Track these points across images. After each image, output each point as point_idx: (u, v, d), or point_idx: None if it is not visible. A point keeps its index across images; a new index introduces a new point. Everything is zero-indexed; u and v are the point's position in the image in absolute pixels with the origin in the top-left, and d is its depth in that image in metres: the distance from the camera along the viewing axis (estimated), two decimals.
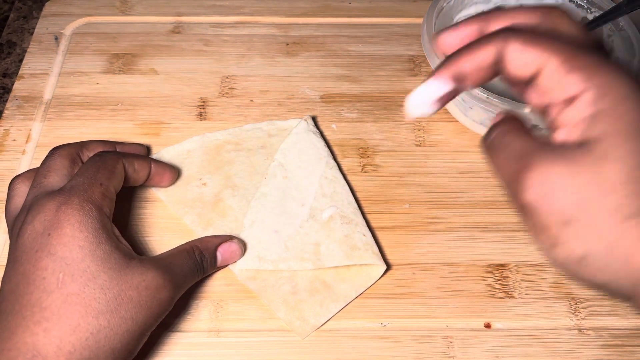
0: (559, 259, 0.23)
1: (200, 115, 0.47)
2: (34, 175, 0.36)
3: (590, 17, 0.48)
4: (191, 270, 0.35)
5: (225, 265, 0.38)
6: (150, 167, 0.39)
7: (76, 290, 0.29)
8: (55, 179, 0.35)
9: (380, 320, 0.37)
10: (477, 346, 0.36)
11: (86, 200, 0.32)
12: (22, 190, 0.36)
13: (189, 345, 0.36)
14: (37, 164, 0.43)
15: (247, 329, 0.37)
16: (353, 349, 0.36)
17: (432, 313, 0.38)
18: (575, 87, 0.23)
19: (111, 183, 0.35)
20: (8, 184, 0.42)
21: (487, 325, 0.37)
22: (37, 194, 0.33)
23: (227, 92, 0.49)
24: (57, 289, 0.29)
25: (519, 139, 0.24)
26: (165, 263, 0.33)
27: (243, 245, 0.38)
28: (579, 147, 0.22)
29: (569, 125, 0.23)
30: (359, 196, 0.42)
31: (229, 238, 0.38)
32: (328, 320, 0.37)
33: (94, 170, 0.34)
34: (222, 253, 0.37)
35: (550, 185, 0.22)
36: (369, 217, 0.41)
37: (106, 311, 0.29)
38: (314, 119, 0.47)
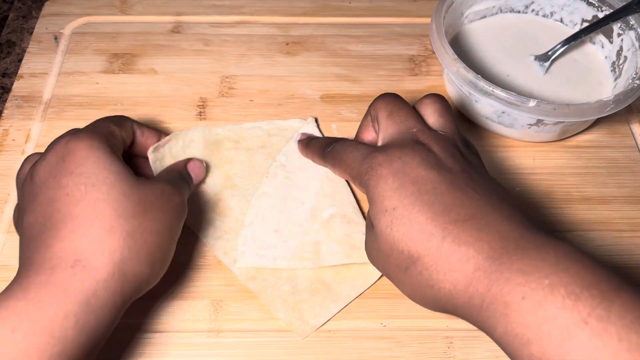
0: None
1: (200, 115, 0.47)
2: None
3: (601, 15, 0.48)
4: (181, 184, 0.36)
5: (198, 185, 0.41)
6: (160, 137, 0.41)
7: (102, 196, 0.30)
8: None
9: (381, 320, 0.37)
10: (478, 346, 0.36)
11: (94, 130, 0.34)
12: (34, 158, 0.36)
13: (189, 346, 0.36)
14: None
15: (247, 329, 0.37)
16: (353, 349, 0.36)
17: (432, 313, 0.37)
18: None
19: (119, 130, 0.36)
20: (7, 185, 0.42)
21: None
22: None
23: (227, 92, 0.49)
24: (83, 198, 0.30)
25: (359, 145, 0.36)
26: (164, 178, 0.36)
27: (205, 163, 0.41)
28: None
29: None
30: (359, 196, 0.42)
31: (189, 159, 0.40)
32: (328, 320, 0.37)
33: (102, 120, 0.36)
34: (191, 170, 0.39)
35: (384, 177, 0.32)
36: None
37: (135, 213, 0.30)
38: (315, 120, 0.46)
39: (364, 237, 0.39)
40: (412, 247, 0.30)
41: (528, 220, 0.30)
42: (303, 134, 0.44)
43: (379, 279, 0.38)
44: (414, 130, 0.34)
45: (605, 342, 0.24)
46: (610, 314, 0.24)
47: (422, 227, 0.29)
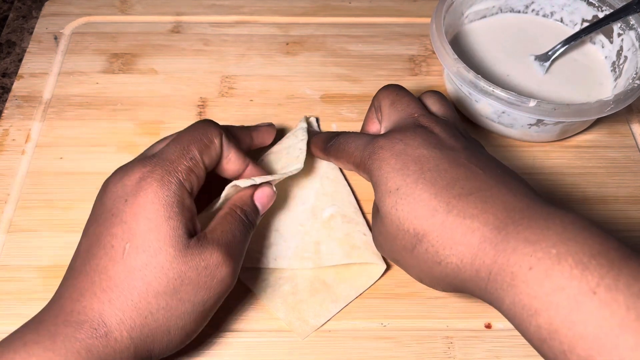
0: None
1: (200, 115, 0.47)
2: None
3: (601, 15, 0.48)
4: (242, 232, 0.33)
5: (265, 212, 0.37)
6: (246, 165, 0.37)
7: (139, 265, 0.29)
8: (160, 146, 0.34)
9: (381, 321, 0.37)
10: (478, 346, 0.36)
11: (170, 172, 0.31)
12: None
13: (188, 346, 0.36)
14: (37, 164, 0.44)
15: (247, 329, 0.37)
16: (353, 349, 0.36)
17: (432, 313, 0.38)
18: None
19: (204, 158, 0.33)
20: (7, 185, 0.42)
21: (488, 326, 0.37)
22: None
23: (226, 92, 0.49)
24: (122, 260, 0.29)
25: (361, 135, 0.36)
26: (217, 235, 0.32)
27: (271, 185, 0.37)
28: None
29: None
30: (359, 196, 0.42)
31: (254, 185, 0.36)
32: (328, 320, 0.37)
33: (188, 141, 0.33)
34: (259, 201, 0.36)
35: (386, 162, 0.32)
36: (369, 217, 0.41)
37: (165, 293, 0.29)
38: (316, 120, 0.46)
39: (364, 237, 0.39)
40: (417, 224, 0.30)
41: (534, 192, 0.30)
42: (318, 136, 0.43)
43: (379, 278, 0.38)
44: (416, 115, 0.34)
45: (613, 312, 0.24)
46: (618, 283, 0.24)
47: (426, 204, 0.30)
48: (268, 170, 0.39)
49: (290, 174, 0.38)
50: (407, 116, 0.34)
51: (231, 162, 0.36)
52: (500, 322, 0.37)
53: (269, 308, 0.37)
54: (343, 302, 0.37)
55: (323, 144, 0.39)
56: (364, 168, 0.34)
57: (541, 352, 0.27)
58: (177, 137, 0.34)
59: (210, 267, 0.30)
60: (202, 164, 0.33)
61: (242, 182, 0.35)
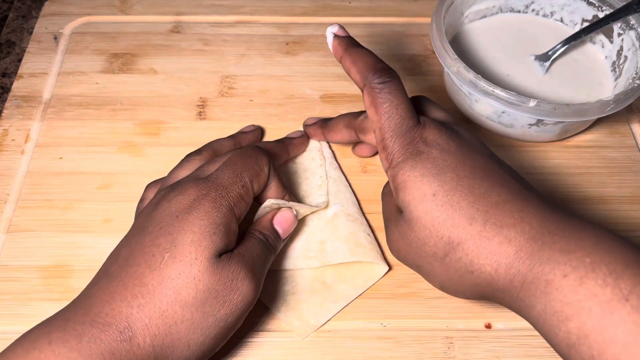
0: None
1: (200, 115, 0.47)
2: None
3: (601, 15, 0.48)
4: (264, 253, 0.34)
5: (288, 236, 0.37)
6: (283, 195, 0.37)
7: (173, 274, 0.29)
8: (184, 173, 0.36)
9: (381, 321, 0.37)
10: (478, 346, 0.36)
11: (223, 197, 0.32)
12: (153, 193, 0.37)
13: None
14: (37, 164, 0.44)
15: (247, 329, 0.37)
16: (353, 349, 0.36)
17: (432, 313, 0.38)
18: None
19: (254, 185, 0.34)
20: (7, 185, 0.42)
21: (488, 326, 0.37)
22: (164, 185, 0.35)
23: (226, 92, 0.49)
24: (159, 268, 0.30)
25: (349, 115, 0.40)
26: (241, 253, 0.32)
27: (292, 209, 0.37)
28: None
29: None
30: (359, 196, 0.42)
31: (275, 208, 0.36)
32: (328, 320, 0.37)
33: (241, 167, 0.34)
34: (280, 225, 0.36)
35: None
36: (369, 216, 0.41)
37: (192, 304, 0.30)
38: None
39: (368, 236, 0.39)
40: (453, 232, 0.29)
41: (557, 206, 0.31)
42: (310, 118, 0.44)
43: (379, 279, 0.38)
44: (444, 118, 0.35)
45: None
46: None
47: (464, 212, 0.29)
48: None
49: (317, 209, 0.39)
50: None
51: (272, 190, 0.37)
52: (501, 322, 0.37)
53: (269, 308, 0.37)
54: (343, 302, 0.37)
55: (348, 120, 0.40)
56: (392, 163, 0.32)
57: (568, 359, 0.27)
58: (231, 162, 0.34)
59: (236, 281, 0.31)
60: (251, 192, 0.34)
61: (275, 202, 0.36)
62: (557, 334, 0.27)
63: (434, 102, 0.37)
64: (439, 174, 0.30)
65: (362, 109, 0.47)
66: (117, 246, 0.32)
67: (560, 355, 0.28)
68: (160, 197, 0.33)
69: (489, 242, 0.29)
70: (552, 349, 0.36)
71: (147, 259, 0.30)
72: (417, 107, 0.36)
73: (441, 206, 0.30)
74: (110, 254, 0.32)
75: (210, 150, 0.39)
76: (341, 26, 0.37)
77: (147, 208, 0.33)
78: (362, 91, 0.34)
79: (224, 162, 0.34)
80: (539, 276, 0.27)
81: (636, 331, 0.24)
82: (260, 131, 0.45)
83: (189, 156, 0.38)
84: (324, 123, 0.43)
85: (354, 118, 0.40)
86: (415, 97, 0.37)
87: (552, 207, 0.30)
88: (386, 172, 0.33)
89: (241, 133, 0.43)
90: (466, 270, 0.30)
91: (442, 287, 0.32)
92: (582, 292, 0.26)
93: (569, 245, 0.27)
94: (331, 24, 0.37)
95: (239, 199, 0.33)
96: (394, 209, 0.33)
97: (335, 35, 0.36)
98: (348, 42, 0.36)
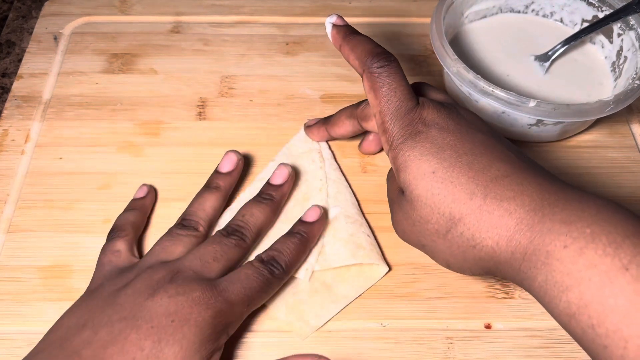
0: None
1: (200, 115, 0.47)
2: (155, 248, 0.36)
3: (601, 15, 0.48)
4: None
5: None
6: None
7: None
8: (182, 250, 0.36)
9: (381, 321, 0.37)
10: (478, 347, 0.36)
11: (227, 315, 0.32)
12: (124, 247, 0.37)
13: None
14: (37, 164, 0.44)
15: (247, 329, 0.37)
16: (353, 349, 0.36)
17: (432, 313, 0.38)
18: None
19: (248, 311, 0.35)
20: (7, 185, 0.42)
21: (488, 326, 0.37)
22: (157, 258, 0.35)
23: (226, 92, 0.49)
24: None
25: (350, 107, 0.40)
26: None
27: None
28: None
29: None
30: (359, 196, 0.42)
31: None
32: (328, 320, 0.37)
33: (249, 289, 0.34)
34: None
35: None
36: (369, 217, 0.41)
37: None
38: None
39: (368, 237, 0.39)
40: (454, 208, 0.30)
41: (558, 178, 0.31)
42: (311, 120, 0.44)
43: (379, 279, 0.38)
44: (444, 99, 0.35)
45: None
46: None
47: (463, 188, 0.30)
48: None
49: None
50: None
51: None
52: (500, 323, 0.37)
53: (269, 308, 0.37)
54: (343, 302, 0.37)
55: (350, 110, 0.40)
56: (391, 145, 0.33)
57: (568, 329, 0.27)
58: (235, 277, 0.34)
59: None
60: (231, 330, 0.34)
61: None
62: (557, 304, 0.27)
63: (434, 86, 0.37)
64: (438, 152, 0.31)
65: None
66: (71, 312, 0.32)
67: (562, 325, 0.28)
68: (157, 283, 0.32)
69: (490, 215, 0.29)
70: (552, 349, 0.37)
71: (124, 356, 0.29)
72: (417, 91, 0.36)
73: (441, 183, 0.30)
74: (62, 321, 0.31)
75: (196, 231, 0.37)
76: (339, 16, 0.37)
77: (138, 284, 0.32)
78: (362, 77, 0.35)
79: (236, 278, 0.34)
80: (540, 247, 0.27)
81: (636, 300, 0.24)
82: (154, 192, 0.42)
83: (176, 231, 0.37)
84: (326, 120, 0.43)
85: (355, 108, 0.40)
86: (415, 83, 0.37)
87: (552, 179, 0.30)
88: (387, 154, 0.33)
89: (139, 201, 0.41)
90: (468, 245, 0.30)
91: (448, 265, 0.32)
92: (582, 263, 0.26)
93: (569, 216, 0.27)
94: (330, 15, 0.37)
95: (236, 325, 0.34)
96: (396, 191, 0.33)
97: (334, 25, 0.37)
98: (346, 30, 0.36)
